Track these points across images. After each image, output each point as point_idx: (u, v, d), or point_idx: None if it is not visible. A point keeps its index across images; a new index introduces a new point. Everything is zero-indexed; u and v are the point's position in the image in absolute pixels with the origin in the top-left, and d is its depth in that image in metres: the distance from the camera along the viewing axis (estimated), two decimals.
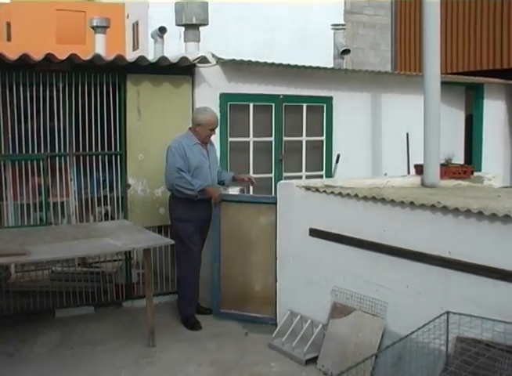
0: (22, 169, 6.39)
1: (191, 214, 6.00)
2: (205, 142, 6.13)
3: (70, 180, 7.05)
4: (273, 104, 7.64)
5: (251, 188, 6.93)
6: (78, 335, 5.85)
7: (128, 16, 21.95)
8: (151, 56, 7.92)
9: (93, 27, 11.95)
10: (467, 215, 4.10)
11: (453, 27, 12.01)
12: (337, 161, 8.16)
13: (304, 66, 7.58)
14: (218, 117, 6.29)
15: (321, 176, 8.03)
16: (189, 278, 6.11)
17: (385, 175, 7.72)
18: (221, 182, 6.46)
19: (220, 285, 6.37)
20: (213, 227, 6.33)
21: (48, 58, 5.98)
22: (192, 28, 7.84)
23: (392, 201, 4.65)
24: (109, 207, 7.18)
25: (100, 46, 11.52)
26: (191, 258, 6.07)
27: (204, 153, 6.11)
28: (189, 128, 6.15)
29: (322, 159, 8.20)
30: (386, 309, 4.72)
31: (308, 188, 5.53)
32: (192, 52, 7.20)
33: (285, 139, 7.79)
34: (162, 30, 10.62)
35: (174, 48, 9.84)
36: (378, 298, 4.79)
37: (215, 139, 6.94)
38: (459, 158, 8.47)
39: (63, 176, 6.66)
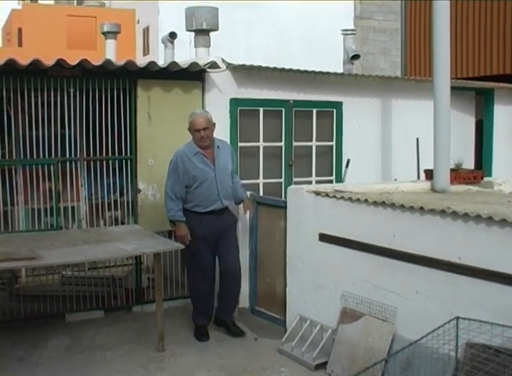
0: (33, 174, 6.43)
1: (198, 228, 5.75)
2: (203, 146, 5.73)
3: (81, 185, 7.09)
4: (283, 109, 7.65)
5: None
6: (88, 340, 5.87)
7: (138, 22, 22.04)
8: (161, 62, 7.94)
9: (104, 33, 12.00)
10: (477, 220, 4.10)
11: (463, 31, 11.99)
12: (346, 166, 8.16)
13: (314, 72, 7.59)
14: (208, 117, 5.78)
15: (331, 181, 8.02)
16: (197, 290, 5.95)
17: (395, 180, 7.70)
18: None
19: (256, 284, 6.51)
20: (251, 228, 6.48)
21: (60, 63, 6.02)
22: (202, 33, 7.87)
23: (402, 206, 4.65)
24: (119, 212, 7.19)
25: (111, 52, 11.57)
26: (200, 271, 5.87)
27: (208, 162, 5.74)
28: None
29: (331, 164, 8.20)
30: (395, 314, 4.71)
31: (317, 193, 5.53)
32: (202, 58, 7.23)
33: (295, 144, 7.80)
34: (172, 35, 10.66)
35: (185, 53, 9.88)
36: (387, 303, 4.79)
37: None
38: (469, 163, 8.45)
39: (73, 181, 6.69)
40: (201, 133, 5.68)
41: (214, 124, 5.86)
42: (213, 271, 5.97)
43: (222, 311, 6.06)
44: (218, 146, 5.86)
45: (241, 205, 6.18)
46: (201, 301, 5.95)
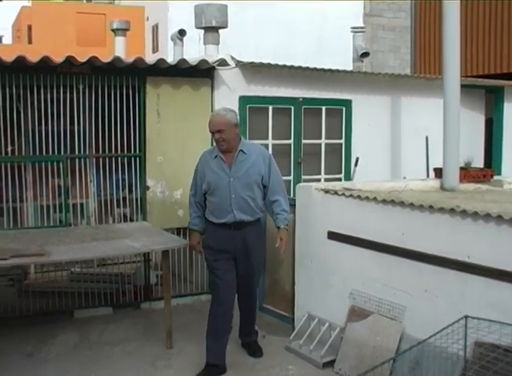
0: (42, 170, 6.46)
1: (211, 240, 5.16)
2: (223, 150, 5.03)
3: (90, 182, 7.10)
4: (292, 107, 7.65)
5: None
6: (97, 336, 5.88)
7: (147, 19, 22.04)
8: (171, 59, 7.95)
9: (113, 30, 12.02)
10: (487, 219, 4.08)
11: (473, 29, 11.95)
12: (355, 164, 8.14)
13: (323, 69, 7.58)
14: (226, 117, 5.00)
15: (340, 179, 8.02)
16: (212, 308, 5.18)
17: (404, 178, 7.69)
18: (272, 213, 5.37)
19: (264, 281, 6.48)
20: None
21: (69, 60, 6.03)
22: (211, 31, 7.85)
23: (411, 205, 4.64)
24: (128, 209, 7.21)
25: (120, 49, 11.59)
26: (214, 288, 5.19)
27: (224, 167, 5.01)
28: None
29: (340, 162, 8.20)
30: (404, 313, 4.70)
31: (326, 191, 5.52)
32: (211, 55, 7.22)
33: (304, 141, 7.79)
34: (182, 32, 10.67)
35: (194, 50, 9.87)
36: (396, 302, 4.77)
37: None
38: (478, 162, 8.43)
39: (82, 178, 6.71)
40: (215, 136, 5.01)
41: (236, 124, 5.05)
42: (227, 291, 5.13)
43: (241, 333, 5.62)
44: (241, 150, 5.07)
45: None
46: (216, 320, 5.16)
